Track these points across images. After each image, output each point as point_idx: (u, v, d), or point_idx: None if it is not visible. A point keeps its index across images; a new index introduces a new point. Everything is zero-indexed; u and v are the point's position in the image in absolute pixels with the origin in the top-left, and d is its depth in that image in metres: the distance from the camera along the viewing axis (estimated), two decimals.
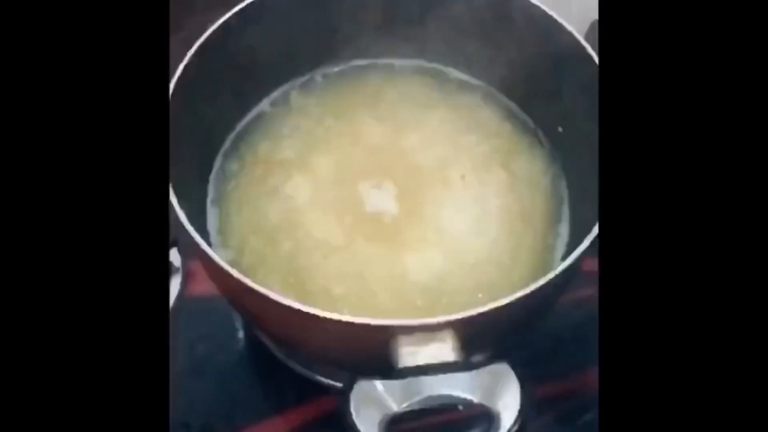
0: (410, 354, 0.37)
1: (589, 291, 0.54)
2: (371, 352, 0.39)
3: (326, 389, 0.52)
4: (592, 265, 0.46)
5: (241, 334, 0.55)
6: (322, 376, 0.52)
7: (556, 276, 0.40)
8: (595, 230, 0.41)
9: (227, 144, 0.55)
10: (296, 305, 0.38)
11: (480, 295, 0.48)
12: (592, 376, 0.52)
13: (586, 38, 0.67)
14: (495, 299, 0.38)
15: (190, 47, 0.48)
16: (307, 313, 0.38)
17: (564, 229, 0.52)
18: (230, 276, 0.39)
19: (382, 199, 0.51)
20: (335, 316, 0.38)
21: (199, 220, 0.50)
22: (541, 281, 0.39)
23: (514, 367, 0.37)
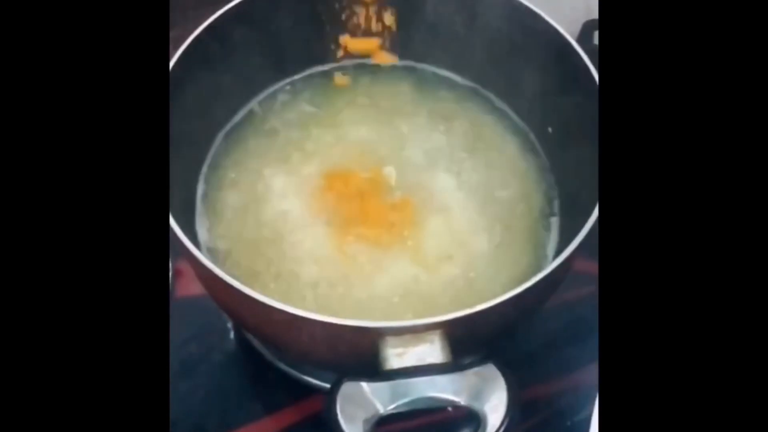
0: (397, 355, 0.37)
1: (577, 293, 0.54)
2: (359, 354, 0.39)
3: (315, 390, 0.52)
4: (582, 266, 0.46)
5: (230, 334, 0.55)
6: (310, 377, 0.52)
7: (545, 277, 0.40)
8: (583, 232, 0.41)
9: (216, 143, 0.55)
10: (284, 307, 0.38)
11: (471, 298, 0.48)
12: (579, 378, 0.52)
13: (578, 38, 0.67)
14: (484, 300, 0.38)
15: (179, 46, 0.48)
16: (295, 315, 0.38)
17: (554, 231, 0.52)
18: (218, 278, 0.39)
19: (369, 200, 0.51)
20: (323, 318, 0.38)
21: (186, 219, 0.50)
22: (530, 282, 0.39)
23: (500, 369, 0.37)
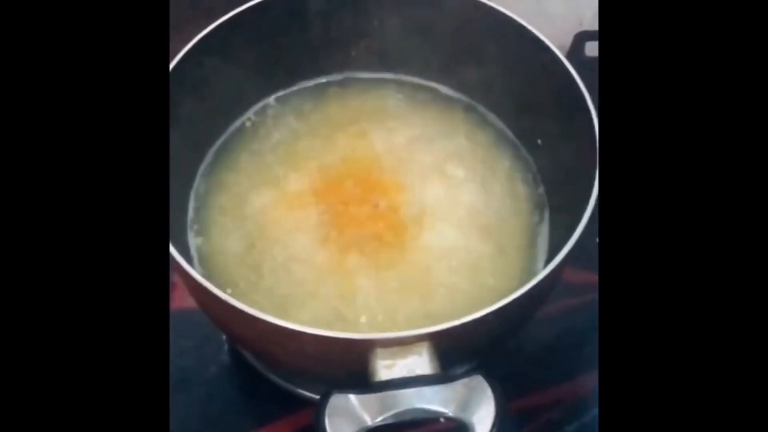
0: (386, 367, 0.38)
1: (567, 303, 0.55)
2: (348, 366, 0.39)
3: (307, 402, 0.52)
4: (571, 276, 0.46)
5: (224, 347, 0.55)
6: (303, 389, 0.52)
7: (532, 287, 0.40)
8: (570, 243, 0.41)
9: (208, 157, 0.55)
10: (274, 320, 0.38)
11: (460, 309, 0.48)
12: (569, 389, 0.52)
13: (570, 50, 0.68)
14: (474, 311, 0.39)
15: (170, 62, 0.48)
16: (285, 328, 0.38)
17: (544, 241, 0.52)
18: (208, 291, 0.39)
19: (360, 213, 0.51)
20: (313, 330, 0.38)
21: (179, 233, 0.51)
22: (517, 293, 0.39)
23: (488, 381, 0.37)
